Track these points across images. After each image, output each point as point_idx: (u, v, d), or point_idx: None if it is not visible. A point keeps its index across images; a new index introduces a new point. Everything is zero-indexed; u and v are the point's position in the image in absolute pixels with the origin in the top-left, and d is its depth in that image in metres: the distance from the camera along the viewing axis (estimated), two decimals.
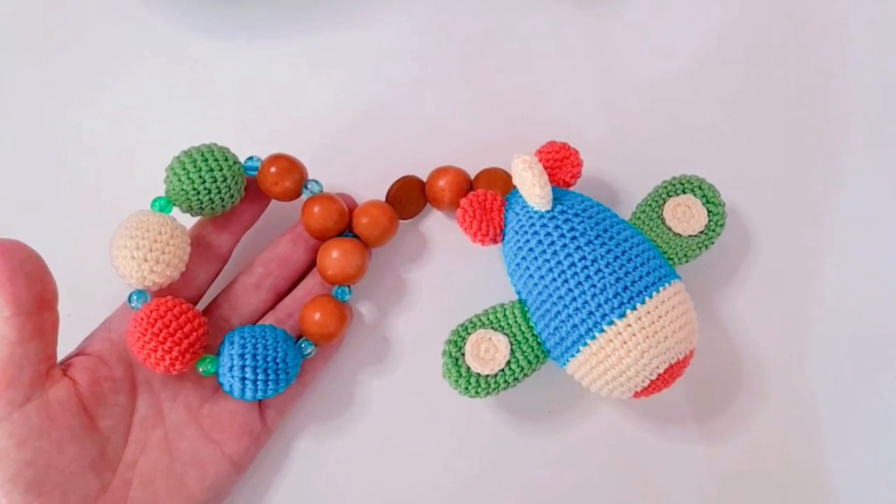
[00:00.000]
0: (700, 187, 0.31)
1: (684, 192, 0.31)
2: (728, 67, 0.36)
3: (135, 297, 0.29)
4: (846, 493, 0.32)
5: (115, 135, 0.36)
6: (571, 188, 0.31)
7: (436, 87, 0.36)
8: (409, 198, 0.33)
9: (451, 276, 0.34)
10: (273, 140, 0.34)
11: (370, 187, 0.33)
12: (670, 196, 0.31)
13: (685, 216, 0.31)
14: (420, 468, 0.32)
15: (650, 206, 0.31)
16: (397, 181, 0.33)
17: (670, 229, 0.31)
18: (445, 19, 0.37)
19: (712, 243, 0.31)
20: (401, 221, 0.33)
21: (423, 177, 0.33)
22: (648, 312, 0.27)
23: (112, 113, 0.36)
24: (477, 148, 0.34)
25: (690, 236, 0.31)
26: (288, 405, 0.32)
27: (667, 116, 0.36)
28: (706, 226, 0.31)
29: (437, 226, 0.34)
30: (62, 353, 0.28)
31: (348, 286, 0.31)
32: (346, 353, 0.33)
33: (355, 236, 0.32)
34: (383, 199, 0.33)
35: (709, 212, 0.31)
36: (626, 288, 0.27)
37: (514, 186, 0.30)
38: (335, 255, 0.30)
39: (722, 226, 0.31)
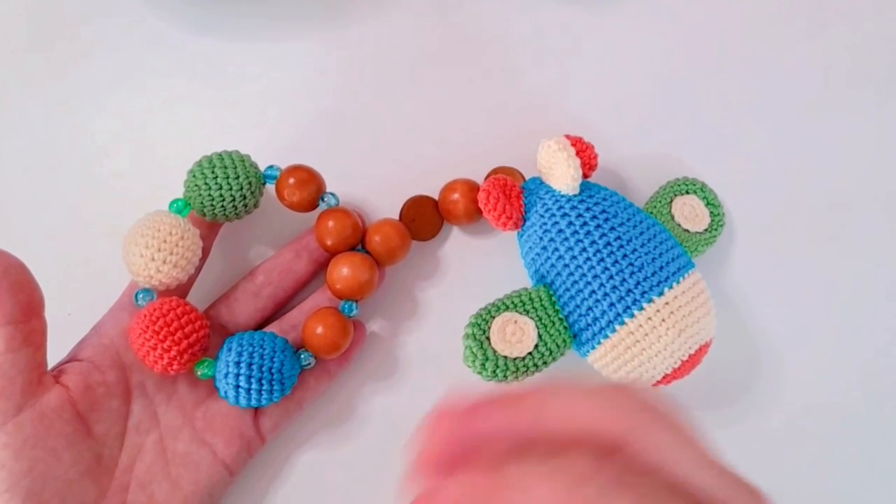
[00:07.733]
0: (702, 189, 0.32)
1: (687, 192, 0.32)
2: (734, 64, 0.36)
3: (141, 296, 0.29)
4: (860, 478, 0.32)
5: (139, 136, 0.35)
6: None
7: (439, 89, 0.35)
8: (422, 216, 0.33)
9: (463, 296, 0.32)
10: (291, 148, 0.34)
11: (385, 198, 0.33)
12: (676, 195, 0.32)
13: (691, 214, 0.32)
14: None
15: (660, 201, 0.32)
16: (408, 200, 0.33)
17: (679, 225, 0.31)
18: (450, 22, 0.36)
19: (714, 241, 0.32)
20: (416, 242, 0.33)
21: (435, 186, 0.33)
22: (676, 297, 0.28)
23: (138, 115, 0.35)
24: (484, 150, 0.34)
25: (697, 232, 0.32)
26: (286, 419, 0.31)
27: (673, 115, 0.35)
28: (709, 224, 0.32)
29: (452, 246, 0.34)
30: (63, 352, 0.28)
31: (356, 301, 0.31)
32: (355, 369, 0.32)
33: (367, 252, 0.31)
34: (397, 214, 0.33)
35: (710, 213, 0.32)
36: (661, 268, 0.28)
37: (529, 176, 0.31)
38: (344, 270, 0.30)
39: (722, 226, 0.32)
